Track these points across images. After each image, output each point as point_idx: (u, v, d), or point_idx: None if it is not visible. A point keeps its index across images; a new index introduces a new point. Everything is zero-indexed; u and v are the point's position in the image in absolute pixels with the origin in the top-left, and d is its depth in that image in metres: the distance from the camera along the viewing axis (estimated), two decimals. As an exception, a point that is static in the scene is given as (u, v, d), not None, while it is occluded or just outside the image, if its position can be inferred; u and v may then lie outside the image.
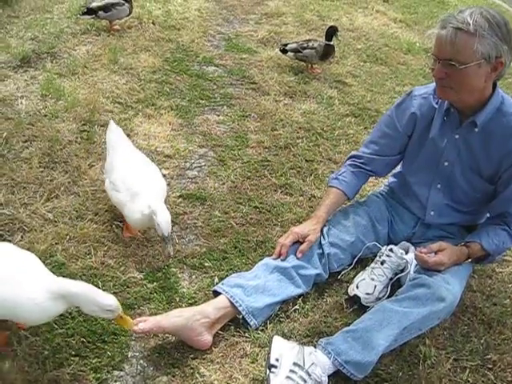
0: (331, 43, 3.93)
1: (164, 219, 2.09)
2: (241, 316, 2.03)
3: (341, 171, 2.38)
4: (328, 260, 2.23)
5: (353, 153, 2.44)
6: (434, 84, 2.13)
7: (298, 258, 2.16)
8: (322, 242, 2.23)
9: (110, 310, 1.69)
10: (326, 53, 3.95)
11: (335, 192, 2.32)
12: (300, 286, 2.16)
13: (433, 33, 1.98)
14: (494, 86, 2.06)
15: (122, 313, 1.73)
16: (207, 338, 1.95)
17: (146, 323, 1.87)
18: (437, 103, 2.18)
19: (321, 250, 2.23)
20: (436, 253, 2.12)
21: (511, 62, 1.99)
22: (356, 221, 2.31)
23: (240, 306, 2.01)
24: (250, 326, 2.04)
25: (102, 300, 1.68)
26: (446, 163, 2.20)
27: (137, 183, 2.24)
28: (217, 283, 2.16)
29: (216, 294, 2.08)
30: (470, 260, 2.19)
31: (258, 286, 2.07)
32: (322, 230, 2.25)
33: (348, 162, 2.40)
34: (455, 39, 1.89)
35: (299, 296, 2.19)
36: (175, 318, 1.92)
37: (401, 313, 1.98)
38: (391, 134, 2.31)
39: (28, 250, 2.14)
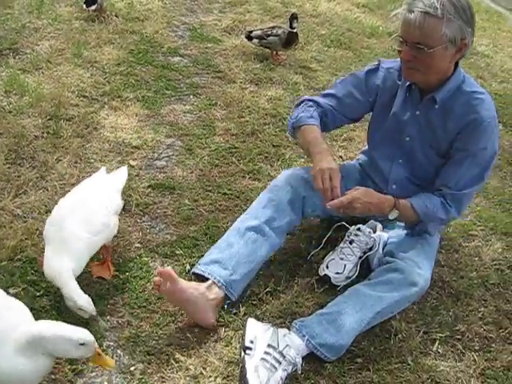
0: (294, 30, 3.95)
1: (86, 300, 1.85)
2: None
3: (310, 111, 2.27)
4: (303, 203, 2.25)
5: (309, 97, 2.36)
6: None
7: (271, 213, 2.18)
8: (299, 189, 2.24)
9: (83, 344, 1.54)
10: (290, 40, 3.97)
11: (317, 129, 2.22)
12: (274, 241, 2.19)
13: (398, 13, 2.01)
14: (456, 64, 2.10)
15: (99, 349, 1.61)
16: (212, 316, 2.02)
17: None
18: (399, 80, 2.22)
19: (293, 195, 2.23)
20: None
21: (473, 42, 2.04)
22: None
23: (219, 281, 2.05)
24: (230, 300, 2.08)
25: (72, 335, 1.54)
26: (408, 138, 2.23)
27: (70, 237, 1.94)
28: (189, 270, 2.18)
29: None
30: (395, 212, 2.12)
31: (232, 255, 2.11)
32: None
33: (311, 104, 2.31)
34: (424, 23, 1.93)
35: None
36: (193, 289, 1.99)
37: (374, 297, 2.02)
38: (357, 97, 2.30)
39: (-4, 247, 2.17)
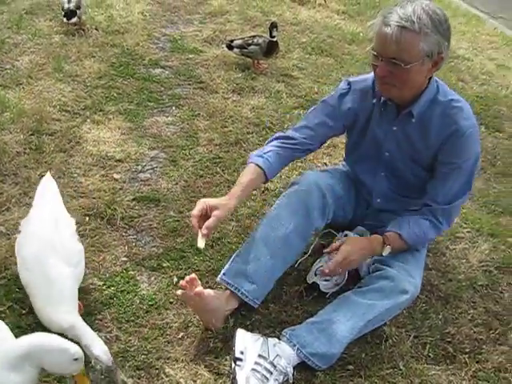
0: (274, 39, 3.95)
1: (102, 350, 1.73)
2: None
3: (265, 149, 2.23)
4: (329, 209, 2.22)
5: (280, 134, 2.31)
6: (372, 75, 2.14)
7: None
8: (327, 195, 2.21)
9: (76, 360, 1.53)
10: (270, 49, 3.97)
11: (256, 170, 2.18)
12: (299, 248, 2.19)
13: (373, 24, 1.96)
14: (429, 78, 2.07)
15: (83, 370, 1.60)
16: (222, 323, 2.05)
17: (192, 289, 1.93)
18: (374, 97, 2.17)
19: (323, 201, 2.20)
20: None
21: (448, 55, 2.00)
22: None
23: (246, 297, 2.06)
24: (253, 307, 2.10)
25: (70, 347, 1.52)
26: (387, 153, 2.21)
27: (57, 278, 1.84)
28: (176, 282, 2.18)
29: None
30: (388, 248, 2.13)
31: (258, 268, 2.07)
32: (318, 182, 2.22)
33: (275, 143, 2.26)
34: (400, 38, 1.87)
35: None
36: (216, 299, 2.01)
37: (365, 305, 2.02)
38: (331, 125, 2.25)
39: (-19, 265, 2.14)
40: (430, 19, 1.89)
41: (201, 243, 1.98)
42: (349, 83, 2.25)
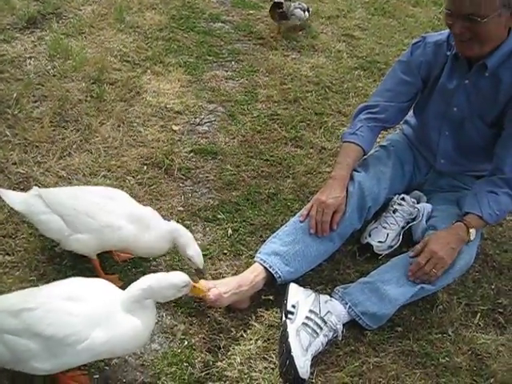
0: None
1: (196, 251, 1.91)
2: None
3: (357, 126, 2.23)
4: (368, 212, 2.20)
5: (363, 105, 2.31)
6: (447, 31, 2.09)
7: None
8: (367, 198, 2.17)
9: (185, 286, 1.66)
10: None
11: (354, 148, 2.20)
12: (336, 244, 2.14)
13: None
14: (509, 29, 2.00)
15: (194, 283, 1.73)
16: (248, 303, 2.01)
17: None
18: (449, 50, 2.13)
19: (362, 204, 2.17)
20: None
21: None
22: (392, 173, 2.29)
23: (279, 277, 2.01)
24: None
25: (175, 281, 1.63)
26: (455, 109, 2.16)
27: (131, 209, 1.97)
28: (231, 234, 2.21)
29: None
30: (473, 231, 2.05)
31: (296, 253, 2.04)
32: (361, 185, 2.17)
33: (363, 116, 2.25)
34: None
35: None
36: (234, 295, 1.93)
37: None
38: (409, 80, 2.22)
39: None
40: None
41: None
42: (423, 37, 2.22)
